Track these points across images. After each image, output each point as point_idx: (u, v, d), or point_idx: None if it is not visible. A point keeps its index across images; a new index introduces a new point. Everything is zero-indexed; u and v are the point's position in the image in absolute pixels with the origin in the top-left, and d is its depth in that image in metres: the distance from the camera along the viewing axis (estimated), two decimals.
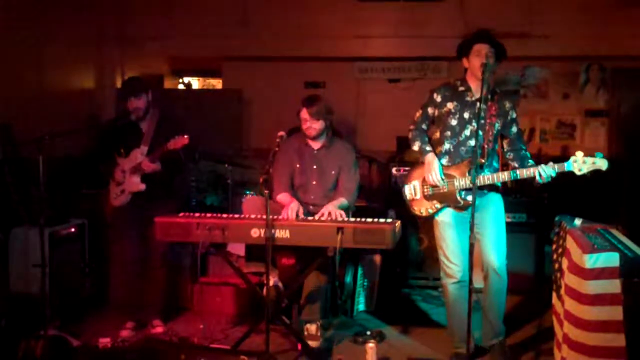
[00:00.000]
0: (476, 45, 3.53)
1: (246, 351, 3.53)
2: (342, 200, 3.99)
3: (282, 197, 4.01)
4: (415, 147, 3.75)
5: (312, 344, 3.87)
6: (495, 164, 3.67)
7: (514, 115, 3.65)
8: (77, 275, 4.93)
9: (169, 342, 3.86)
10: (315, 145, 4.17)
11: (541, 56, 6.29)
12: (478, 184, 3.32)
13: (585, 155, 3.28)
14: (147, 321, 4.31)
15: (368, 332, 4.17)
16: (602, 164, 3.25)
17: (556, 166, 3.33)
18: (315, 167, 4.15)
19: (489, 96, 3.58)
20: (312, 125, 4.03)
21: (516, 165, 3.59)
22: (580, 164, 3.27)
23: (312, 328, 3.96)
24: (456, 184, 3.57)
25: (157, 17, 6.72)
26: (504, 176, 3.45)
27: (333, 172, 4.14)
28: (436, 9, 6.36)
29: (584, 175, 3.28)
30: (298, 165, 4.15)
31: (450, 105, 3.63)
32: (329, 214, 3.78)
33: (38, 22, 5.58)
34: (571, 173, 3.30)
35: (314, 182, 4.15)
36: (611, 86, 6.30)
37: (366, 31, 6.52)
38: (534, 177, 3.37)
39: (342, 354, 3.87)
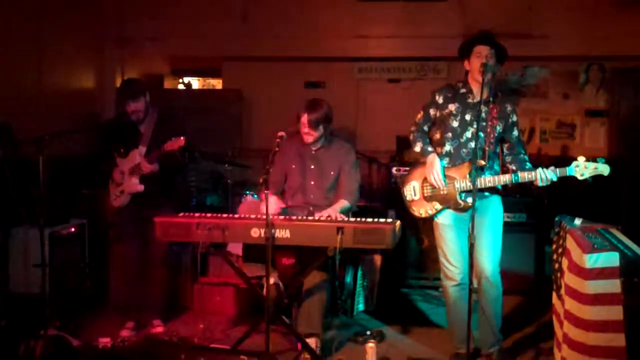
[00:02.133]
0: (477, 46, 3.52)
1: (246, 351, 3.53)
2: (344, 203, 3.95)
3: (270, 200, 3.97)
4: (417, 148, 3.72)
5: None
6: (496, 167, 3.65)
7: (515, 119, 3.63)
8: (77, 275, 4.93)
9: (169, 342, 3.86)
10: (314, 145, 4.14)
11: (541, 56, 6.29)
12: (478, 186, 3.31)
13: (587, 159, 3.26)
14: (147, 321, 4.31)
15: (368, 332, 4.17)
16: (604, 169, 3.24)
17: (558, 170, 3.31)
18: (313, 167, 4.11)
19: (491, 98, 3.57)
20: (311, 132, 4.00)
21: (514, 168, 3.57)
22: (582, 169, 3.25)
23: (311, 342, 3.80)
24: (457, 185, 3.55)
25: (157, 17, 6.73)
26: (505, 179, 3.43)
27: (332, 172, 4.09)
28: (436, 9, 6.37)
29: (585, 179, 3.27)
30: (294, 166, 4.12)
31: (452, 107, 3.62)
32: (329, 217, 3.77)
33: (38, 23, 5.58)
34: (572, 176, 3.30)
35: (312, 183, 4.10)
36: (611, 86, 6.30)
37: (366, 31, 6.52)
38: (535, 180, 3.36)
39: (342, 354, 3.88)
